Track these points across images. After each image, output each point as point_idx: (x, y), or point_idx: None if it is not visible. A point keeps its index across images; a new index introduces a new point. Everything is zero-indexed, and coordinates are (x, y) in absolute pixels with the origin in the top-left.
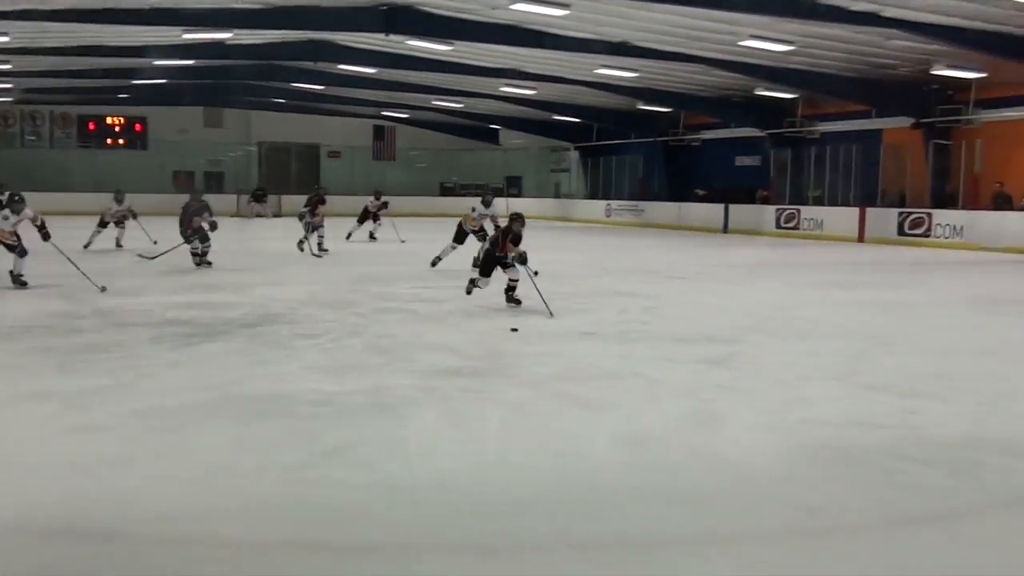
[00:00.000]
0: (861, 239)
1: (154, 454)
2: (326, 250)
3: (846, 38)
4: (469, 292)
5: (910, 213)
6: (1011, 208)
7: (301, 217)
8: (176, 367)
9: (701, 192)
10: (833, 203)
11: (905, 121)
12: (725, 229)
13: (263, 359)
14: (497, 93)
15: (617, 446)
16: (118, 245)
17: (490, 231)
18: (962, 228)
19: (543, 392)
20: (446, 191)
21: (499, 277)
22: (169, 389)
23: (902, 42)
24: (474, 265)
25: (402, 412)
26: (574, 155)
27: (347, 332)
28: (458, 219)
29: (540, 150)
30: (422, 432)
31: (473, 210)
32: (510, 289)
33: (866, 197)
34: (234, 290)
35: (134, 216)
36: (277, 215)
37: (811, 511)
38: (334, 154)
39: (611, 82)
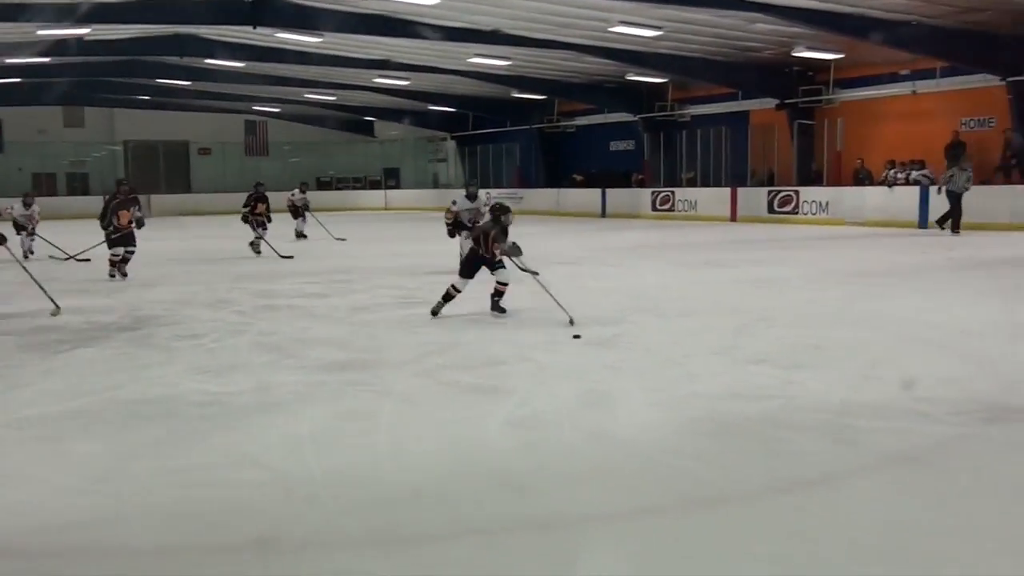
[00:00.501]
0: (734, 218)
1: (36, 465)
2: (259, 252)
3: (712, 22)
4: (435, 313)
5: (779, 191)
6: (871, 183)
7: (245, 219)
8: (51, 375)
9: (578, 178)
10: (706, 184)
11: (770, 102)
12: (603, 213)
13: (143, 363)
14: (370, 84)
15: (511, 430)
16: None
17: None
18: (827, 204)
19: (433, 381)
20: (323, 185)
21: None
22: (46, 397)
23: (764, 25)
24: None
25: (292, 409)
26: (451, 145)
27: (229, 331)
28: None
29: (417, 141)
30: (313, 428)
31: (453, 203)
32: (497, 295)
33: (737, 177)
34: (106, 294)
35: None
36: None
37: (700, 482)
38: (204, 151)
39: (485, 71)
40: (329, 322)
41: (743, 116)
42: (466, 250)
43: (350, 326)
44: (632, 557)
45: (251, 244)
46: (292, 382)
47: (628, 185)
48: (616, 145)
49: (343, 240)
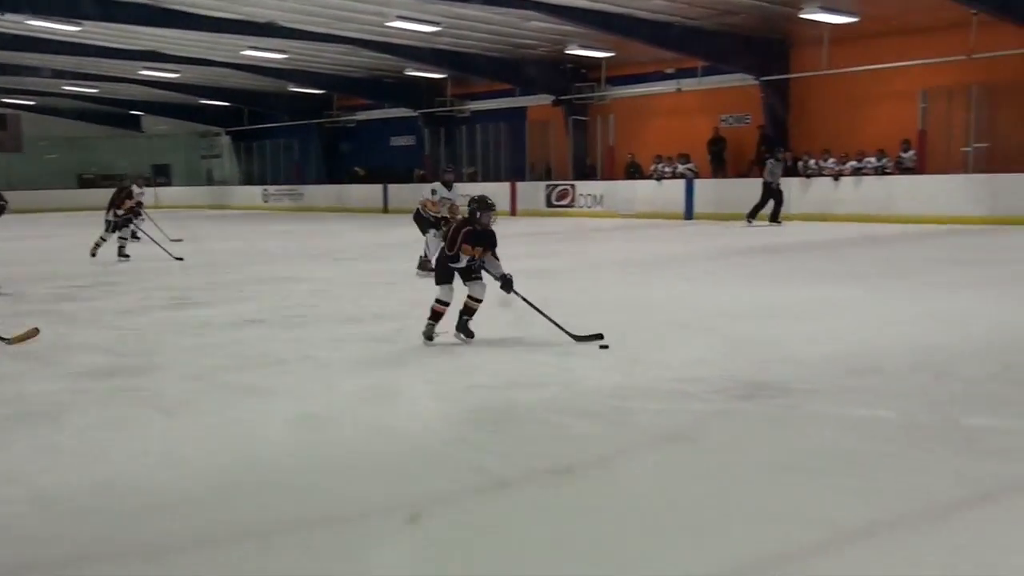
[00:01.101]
0: (514, 212)
1: None
2: (127, 256)
3: (488, 19)
4: (430, 337)
5: (556, 185)
6: (642, 177)
7: (109, 225)
8: None
9: (360, 171)
10: (487, 179)
11: (546, 99)
12: (386, 209)
13: None
14: (136, 77)
15: (291, 430)
16: None
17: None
18: (602, 197)
19: (209, 384)
20: (85, 183)
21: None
22: None
23: (539, 23)
24: (420, 267)
25: (53, 420)
26: (226, 140)
27: None
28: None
29: (188, 136)
30: (77, 438)
31: (433, 192)
32: (467, 312)
33: (516, 172)
34: None
35: None
36: None
37: (482, 470)
38: None
39: (259, 64)
40: (95, 327)
41: (521, 112)
42: (434, 250)
43: (117, 330)
44: (417, 549)
45: (119, 249)
46: (52, 391)
47: (410, 181)
48: (397, 140)
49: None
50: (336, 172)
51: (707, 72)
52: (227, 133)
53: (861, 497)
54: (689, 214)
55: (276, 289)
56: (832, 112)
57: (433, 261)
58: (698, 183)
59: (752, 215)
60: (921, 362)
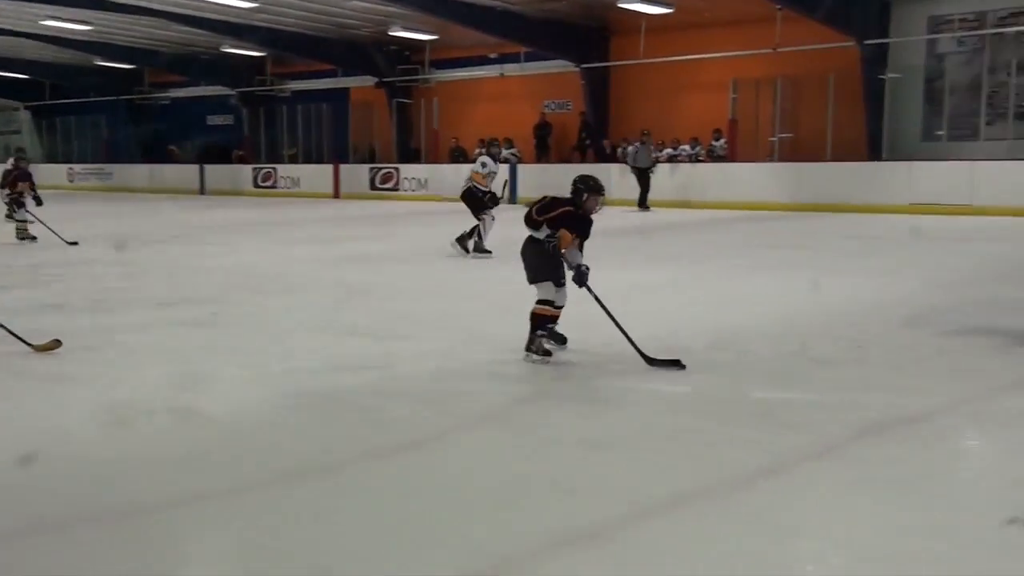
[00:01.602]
0: (337, 195)
1: None
2: (33, 237)
3: None
4: (548, 353)
5: (380, 168)
6: (466, 161)
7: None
8: None
9: (175, 150)
10: (308, 161)
11: (370, 80)
12: (202, 190)
13: None
14: None
15: (94, 419)
16: None
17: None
18: (426, 181)
19: (4, 372)
20: None
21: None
22: None
23: (360, 3)
24: (464, 244)
25: None
26: (25, 116)
27: None
28: None
29: None
30: None
31: (483, 166)
32: (549, 320)
33: (339, 154)
34: None
35: None
36: None
37: (298, 456)
38: None
39: (62, 35)
40: None
41: (343, 93)
42: (490, 229)
43: None
44: (227, 538)
45: (18, 231)
46: None
47: (228, 161)
48: (214, 119)
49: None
50: (148, 151)
51: (530, 58)
52: (26, 108)
53: (663, 470)
54: (513, 198)
55: (82, 272)
56: (649, 100)
57: (485, 242)
58: (521, 168)
59: (643, 202)
60: (723, 340)
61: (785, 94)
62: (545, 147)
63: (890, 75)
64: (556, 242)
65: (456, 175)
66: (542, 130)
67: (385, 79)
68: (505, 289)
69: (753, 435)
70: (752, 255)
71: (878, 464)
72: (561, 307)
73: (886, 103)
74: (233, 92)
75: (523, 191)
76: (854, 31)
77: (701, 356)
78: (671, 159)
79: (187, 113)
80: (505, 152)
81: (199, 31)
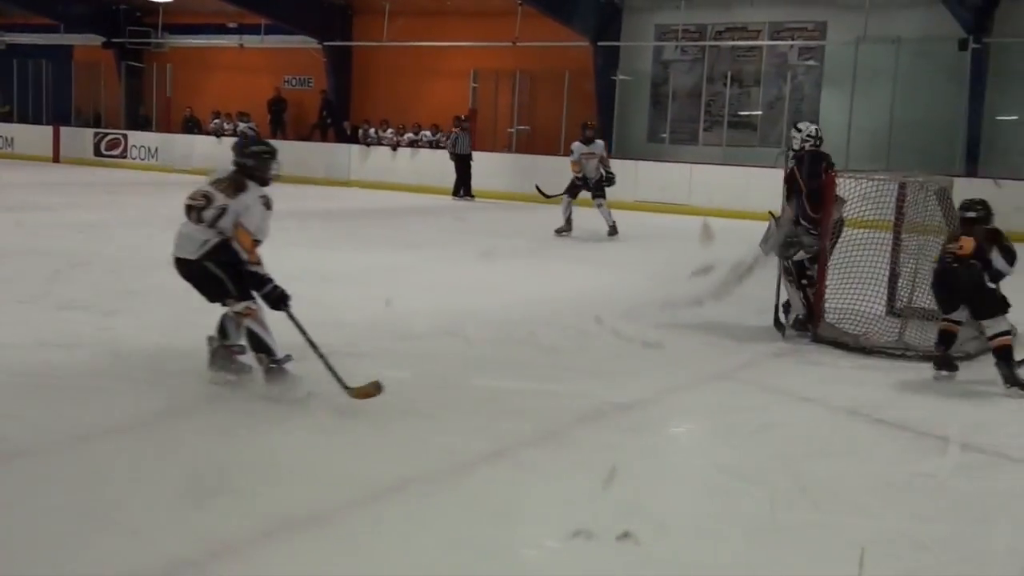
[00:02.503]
0: (56, 160)
1: None
2: None
3: None
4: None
5: (106, 134)
6: (200, 132)
7: None
8: None
9: None
10: (24, 120)
11: (97, 39)
12: None
13: None
14: None
15: None
16: None
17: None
18: (156, 150)
19: None
20: None
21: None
22: None
23: None
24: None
25: None
26: None
27: None
28: None
29: None
30: None
31: (572, 153)
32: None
33: (60, 116)
34: None
35: None
36: None
37: (5, 438)
38: None
39: None
40: None
41: (67, 50)
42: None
43: None
44: None
45: None
46: None
47: None
48: None
49: None
50: None
51: (270, 31)
52: None
53: (390, 454)
54: None
55: None
56: (392, 83)
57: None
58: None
59: (465, 191)
60: (453, 326)
61: (523, 87)
62: (280, 123)
63: (620, 77)
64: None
65: (188, 146)
66: (277, 105)
67: (114, 40)
68: None
69: (478, 420)
70: (487, 243)
71: (594, 449)
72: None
73: (616, 103)
74: None
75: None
76: (589, 32)
77: (433, 340)
78: (412, 144)
79: None
80: (242, 126)
81: None
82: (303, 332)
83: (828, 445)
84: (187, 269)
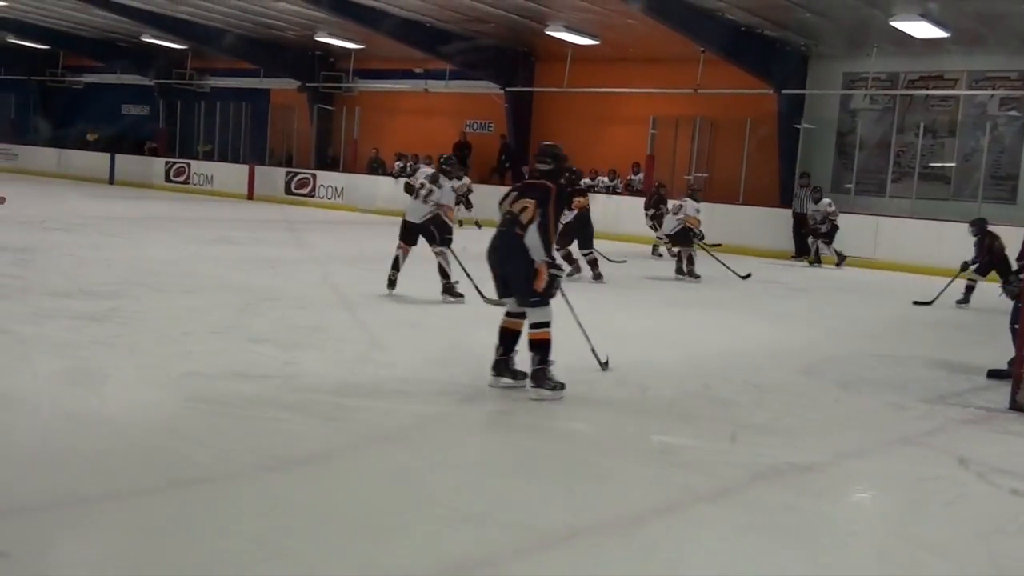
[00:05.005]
0: (251, 196)
1: None
2: None
3: None
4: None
5: (296, 173)
6: (384, 173)
7: None
8: None
9: (92, 137)
10: (224, 159)
11: (292, 83)
12: (111, 180)
13: None
14: None
15: None
16: None
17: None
18: (342, 190)
19: None
20: None
21: None
22: None
23: (288, 5)
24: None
25: None
26: None
27: None
28: None
29: None
30: None
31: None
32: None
33: (256, 155)
34: None
35: None
36: None
37: (190, 463)
38: None
39: None
40: None
41: (264, 94)
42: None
43: None
44: (112, 544)
45: None
46: None
47: (141, 152)
48: (129, 108)
49: None
50: (57, 135)
51: (454, 76)
52: None
53: (561, 503)
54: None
55: None
56: (571, 128)
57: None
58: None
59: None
60: (628, 377)
61: (703, 134)
62: (464, 166)
63: (805, 125)
64: None
65: (372, 187)
66: (462, 149)
67: (308, 84)
68: (412, 306)
69: (649, 473)
70: (667, 292)
71: (771, 510)
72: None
73: (799, 152)
74: (151, 82)
75: None
76: (773, 80)
77: (610, 390)
78: (589, 189)
79: (101, 99)
80: (425, 168)
81: (120, 18)
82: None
83: None
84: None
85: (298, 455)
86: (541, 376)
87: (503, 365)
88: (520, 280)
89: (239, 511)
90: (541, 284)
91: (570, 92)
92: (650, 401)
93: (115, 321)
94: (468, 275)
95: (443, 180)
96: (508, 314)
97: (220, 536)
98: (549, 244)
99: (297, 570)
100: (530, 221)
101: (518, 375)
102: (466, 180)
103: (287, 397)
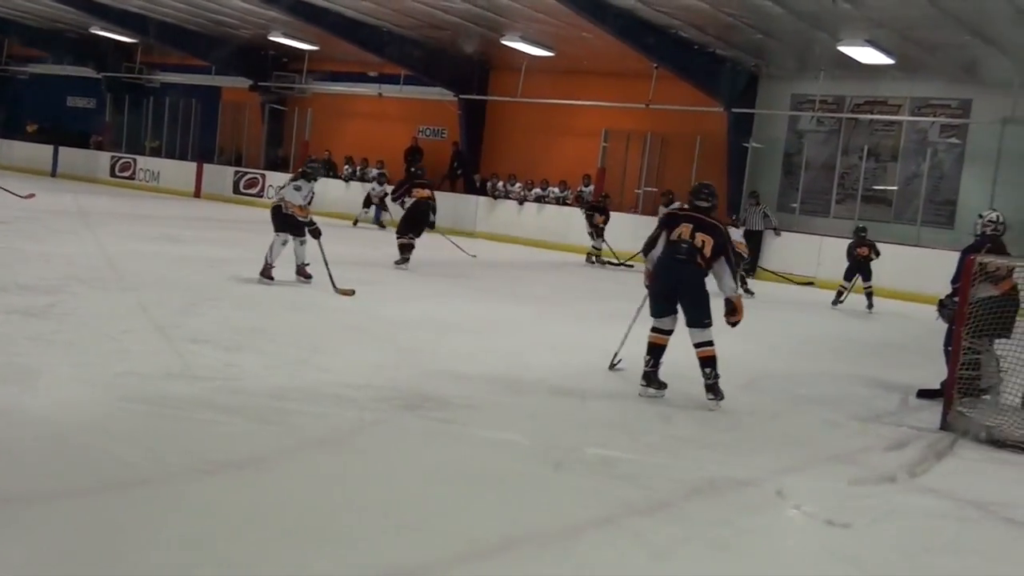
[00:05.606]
0: (198, 194)
1: None
2: None
3: None
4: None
5: (246, 173)
6: (335, 177)
7: None
8: None
9: (32, 128)
10: (171, 156)
11: (244, 82)
12: (54, 173)
13: None
14: None
15: None
16: None
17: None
18: None
19: None
20: None
21: None
22: None
23: (241, 3)
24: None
25: None
26: None
27: None
28: None
29: None
30: None
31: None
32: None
33: (204, 153)
34: None
35: None
36: None
37: (126, 464)
38: None
39: None
40: None
41: (215, 91)
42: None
43: None
44: (37, 546)
45: None
46: None
47: (85, 146)
48: (75, 101)
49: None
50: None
51: (408, 81)
52: None
53: (497, 513)
54: (377, 219)
55: None
56: (523, 138)
57: None
58: (389, 190)
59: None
60: (567, 387)
61: (653, 149)
62: (415, 175)
63: (753, 144)
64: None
65: (323, 187)
66: (414, 154)
67: (260, 83)
68: (358, 310)
69: (587, 485)
70: (609, 304)
71: (707, 524)
72: None
73: (747, 170)
74: (99, 75)
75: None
76: (723, 98)
77: (549, 400)
78: (539, 199)
79: (46, 90)
80: (375, 172)
81: (67, 8)
82: None
83: (954, 541)
84: None
85: (234, 458)
86: (716, 387)
87: (652, 376)
88: (697, 306)
89: (172, 514)
90: (741, 315)
91: (524, 102)
92: (589, 412)
93: (52, 317)
94: (327, 264)
95: (301, 181)
96: (657, 330)
97: (152, 539)
98: (735, 279)
99: (230, 572)
100: (713, 257)
101: (662, 385)
102: (386, 187)
103: (225, 399)
